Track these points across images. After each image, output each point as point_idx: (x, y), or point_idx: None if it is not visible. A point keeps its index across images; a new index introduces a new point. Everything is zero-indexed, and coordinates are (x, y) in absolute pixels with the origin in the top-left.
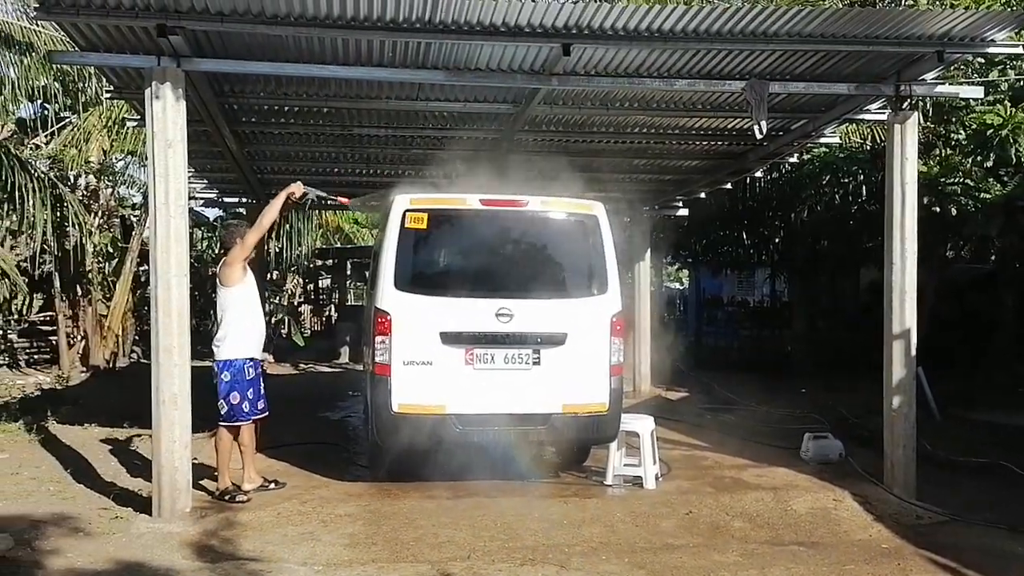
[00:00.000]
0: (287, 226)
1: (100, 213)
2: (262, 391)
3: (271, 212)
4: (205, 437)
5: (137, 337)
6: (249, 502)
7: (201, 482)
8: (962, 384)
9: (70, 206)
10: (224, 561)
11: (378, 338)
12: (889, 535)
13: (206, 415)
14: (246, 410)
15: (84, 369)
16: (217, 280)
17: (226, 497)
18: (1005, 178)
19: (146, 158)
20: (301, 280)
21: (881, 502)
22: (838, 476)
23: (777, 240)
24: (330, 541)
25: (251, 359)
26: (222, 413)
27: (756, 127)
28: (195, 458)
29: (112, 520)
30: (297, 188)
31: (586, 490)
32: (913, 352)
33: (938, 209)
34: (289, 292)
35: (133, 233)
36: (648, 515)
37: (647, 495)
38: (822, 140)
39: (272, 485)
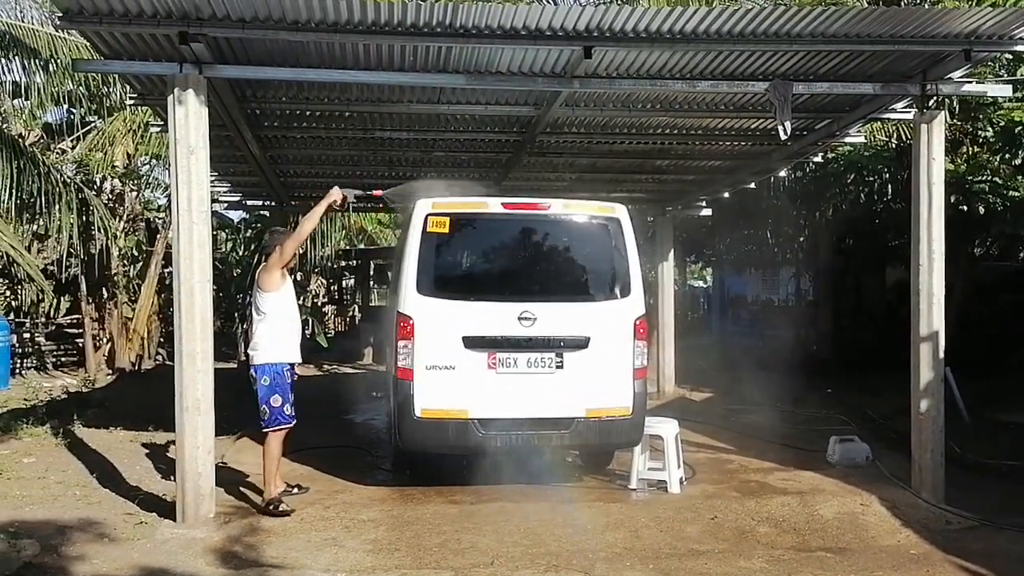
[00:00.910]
0: None
1: (125, 217)
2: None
3: (311, 221)
4: (230, 440)
5: (162, 339)
6: (291, 513)
7: (241, 489)
8: (991, 384)
9: (96, 210)
10: (247, 568)
11: (400, 343)
12: (917, 540)
13: (230, 417)
14: (288, 413)
15: (110, 371)
16: (256, 285)
17: (271, 507)
18: None
19: (169, 162)
20: (325, 281)
21: (909, 507)
22: (865, 480)
23: (802, 239)
24: (353, 547)
25: (290, 364)
26: (265, 419)
27: (780, 128)
28: (224, 462)
29: (137, 525)
30: (337, 194)
31: (610, 494)
32: (941, 355)
33: (965, 207)
34: (313, 293)
35: (158, 236)
36: (673, 520)
37: (671, 500)
38: (847, 139)
39: (295, 490)
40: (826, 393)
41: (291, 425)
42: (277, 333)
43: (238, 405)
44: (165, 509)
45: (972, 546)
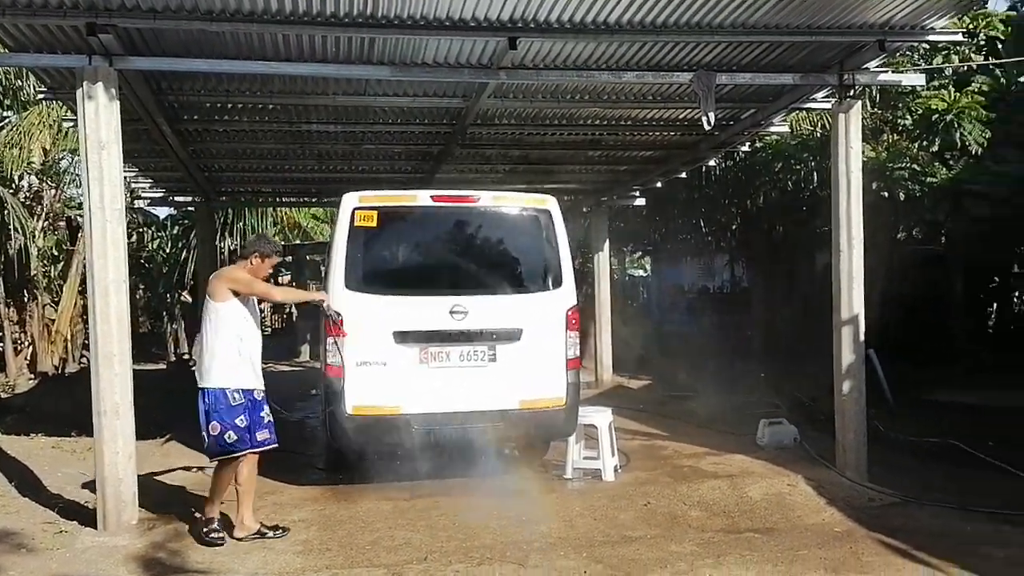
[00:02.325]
0: (240, 223)
1: (44, 215)
2: (263, 418)
3: (287, 295)
4: (157, 444)
5: (87, 341)
6: (222, 543)
7: (167, 495)
8: (914, 366)
9: (12, 209)
10: (171, 575)
11: (330, 339)
12: (841, 518)
13: (158, 420)
14: (230, 440)
15: (32, 375)
16: (207, 292)
17: (204, 529)
18: (951, 162)
19: (80, 159)
20: None
21: (834, 485)
22: (792, 461)
23: (734, 227)
24: (283, 549)
25: (237, 388)
26: (205, 447)
27: (704, 118)
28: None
29: (56, 535)
30: (326, 300)
31: (545, 485)
32: (862, 337)
33: (887, 194)
34: None
35: (80, 235)
36: (606, 508)
37: (606, 488)
38: (772, 129)
39: (271, 533)
40: (759, 377)
41: (239, 454)
42: (226, 355)
43: (166, 407)
44: (86, 517)
45: (894, 522)
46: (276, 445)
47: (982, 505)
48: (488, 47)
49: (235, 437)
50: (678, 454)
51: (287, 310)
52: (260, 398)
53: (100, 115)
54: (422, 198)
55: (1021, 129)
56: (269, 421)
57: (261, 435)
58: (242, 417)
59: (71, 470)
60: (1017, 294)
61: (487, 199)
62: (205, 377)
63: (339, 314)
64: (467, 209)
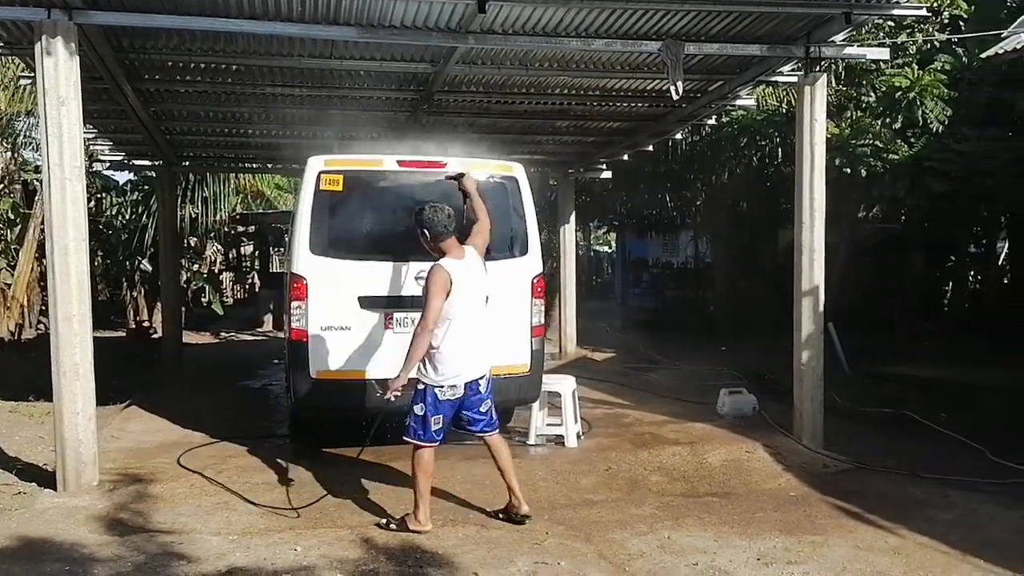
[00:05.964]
0: (203, 191)
1: None
2: None
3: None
4: (117, 409)
5: (44, 307)
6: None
7: (128, 458)
8: (872, 340)
9: None
10: (133, 534)
11: (294, 303)
12: (797, 483)
13: (118, 387)
14: (435, 430)
15: None
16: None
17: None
18: (912, 139)
19: (38, 115)
20: (221, 247)
21: (791, 452)
22: (751, 429)
23: (699, 202)
24: (246, 510)
25: (469, 380)
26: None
27: (672, 88)
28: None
29: (14, 496)
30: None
31: (509, 450)
32: (821, 309)
33: (849, 170)
34: (209, 259)
35: (36, 198)
36: (569, 472)
37: (568, 453)
38: (738, 102)
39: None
40: (721, 351)
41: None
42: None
43: (127, 374)
44: (46, 479)
45: (847, 487)
46: None
47: (931, 472)
48: (457, 10)
49: (438, 428)
50: (639, 422)
51: (249, 280)
52: None
53: (59, 70)
54: (389, 163)
55: (980, 108)
56: None
57: None
58: (458, 409)
59: (29, 433)
60: (972, 273)
61: (455, 164)
62: (430, 375)
63: None
64: (434, 174)
